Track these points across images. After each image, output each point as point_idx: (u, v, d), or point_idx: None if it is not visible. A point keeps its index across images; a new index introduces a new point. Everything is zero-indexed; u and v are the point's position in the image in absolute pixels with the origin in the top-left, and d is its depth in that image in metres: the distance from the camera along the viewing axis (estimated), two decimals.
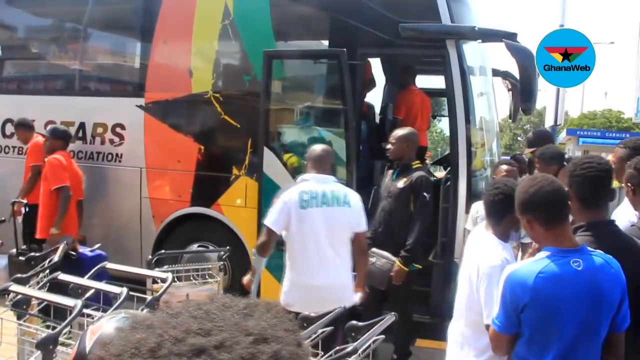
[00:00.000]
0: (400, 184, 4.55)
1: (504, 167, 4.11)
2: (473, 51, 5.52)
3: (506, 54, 5.02)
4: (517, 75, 5.33)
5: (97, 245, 4.73)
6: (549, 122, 12.88)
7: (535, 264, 2.18)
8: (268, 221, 3.53)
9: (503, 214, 2.75)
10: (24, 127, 6.22)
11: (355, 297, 3.65)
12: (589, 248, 2.23)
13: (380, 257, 4.50)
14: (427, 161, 7.95)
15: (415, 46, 5.35)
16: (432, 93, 8.26)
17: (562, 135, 29.39)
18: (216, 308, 0.68)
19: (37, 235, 5.47)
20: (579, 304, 2.12)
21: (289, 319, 0.70)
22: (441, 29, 5.19)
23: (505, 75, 6.97)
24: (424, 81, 8.73)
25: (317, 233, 3.53)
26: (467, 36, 5.23)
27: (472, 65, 5.51)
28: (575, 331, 2.14)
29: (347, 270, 3.67)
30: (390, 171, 4.84)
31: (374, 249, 4.46)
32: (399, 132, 4.75)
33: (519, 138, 50.93)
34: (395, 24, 5.14)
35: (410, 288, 4.62)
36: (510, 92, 6.92)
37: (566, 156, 5.80)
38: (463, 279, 2.88)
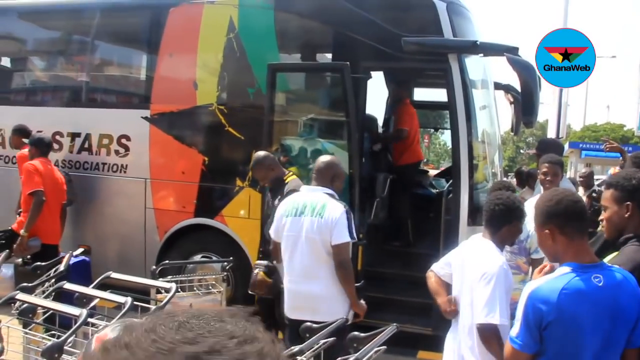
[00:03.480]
0: (276, 202, 4.26)
1: (546, 164, 4.35)
2: (475, 64, 5.57)
3: (508, 67, 5.09)
4: (519, 89, 5.38)
5: (79, 250, 4.58)
6: (551, 135, 12.91)
7: (558, 280, 2.14)
8: (270, 231, 3.82)
9: (501, 224, 2.89)
10: (19, 134, 6.19)
11: (343, 312, 3.47)
12: (607, 264, 2.24)
13: (260, 266, 4.37)
14: (430, 173, 7.98)
15: (417, 60, 5.41)
16: (434, 106, 8.32)
17: (565, 148, 29.38)
18: (188, 318, 0.70)
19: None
20: (602, 320, 2.12)
21: (257, 321, 0.74)
22: (443, 43, 5.26)
23: (507, 88, 7.01)
24: (427, 94, 8.82)
25: (293, 242, 3.63)
26: (468, 50, 5.29)
27: (474, 78, 5.56)
28: (598, 346, 2.13)
29: (327, 283, 3.56)
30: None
31: (257, 261, 4.46)
32: (258, 157, 4.63)
33: (521, 151, 50.95)
34: (398, 38, 5.20)
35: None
36: (512, 106, 6.97)
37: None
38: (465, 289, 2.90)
